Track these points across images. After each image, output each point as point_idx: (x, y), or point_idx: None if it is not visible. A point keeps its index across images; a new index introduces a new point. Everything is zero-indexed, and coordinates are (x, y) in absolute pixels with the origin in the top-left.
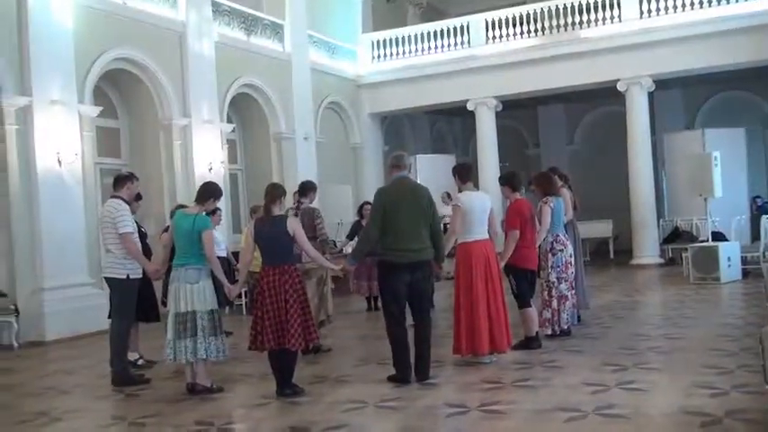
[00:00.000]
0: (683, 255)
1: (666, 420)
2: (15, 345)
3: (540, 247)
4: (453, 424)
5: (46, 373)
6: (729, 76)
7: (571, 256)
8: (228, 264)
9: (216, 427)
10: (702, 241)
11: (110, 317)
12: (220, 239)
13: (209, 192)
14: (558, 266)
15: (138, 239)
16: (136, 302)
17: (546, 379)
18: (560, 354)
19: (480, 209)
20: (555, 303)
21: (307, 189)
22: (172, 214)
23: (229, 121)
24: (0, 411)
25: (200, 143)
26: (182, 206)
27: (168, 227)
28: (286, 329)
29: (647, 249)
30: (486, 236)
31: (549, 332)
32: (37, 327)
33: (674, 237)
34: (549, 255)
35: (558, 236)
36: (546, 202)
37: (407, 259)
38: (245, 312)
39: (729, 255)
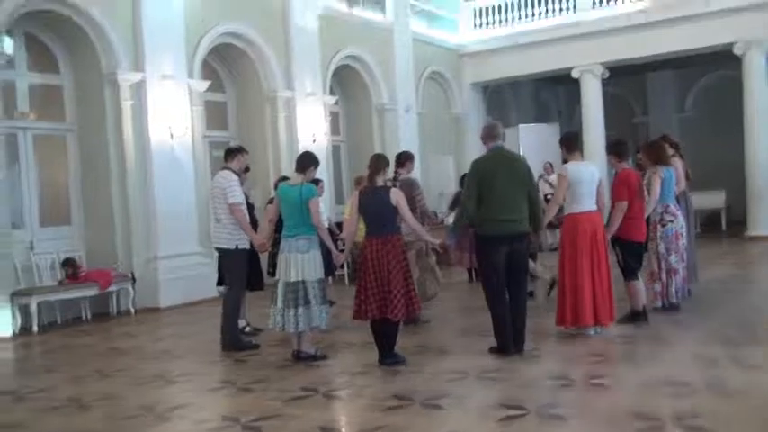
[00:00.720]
0: None
1: None
2: (132, 311)
3: (649, 218)
4: (556, 396)
5: (161, 338)
6: None
7: (682, 228)
8: (331, 233)
9: (320, 392)
10: None
11: (219, 285)
12: (322, 210)
13: (308, 160)
14: (668, 237)
15: (246, 211)
16: (246, 272)
17: (653, 353)
18: (668, 327)
19: (588, 179)
20: (664, 276)
21: (404, 159)
22: (275, 186)
23: (332, 93)
24: (120, 373)
25: (303, 115)
26: (284, 178)
27: (272, 199)
28: (389, 299)
29: (763, 221)
30: (595, 207)
31: (659, 305)
32: (152, 294)
33: None
34: (659, 226)
35: (668, 206)
36: (656, 172)
37: (506, 231)
38: (347, 282)
39: None
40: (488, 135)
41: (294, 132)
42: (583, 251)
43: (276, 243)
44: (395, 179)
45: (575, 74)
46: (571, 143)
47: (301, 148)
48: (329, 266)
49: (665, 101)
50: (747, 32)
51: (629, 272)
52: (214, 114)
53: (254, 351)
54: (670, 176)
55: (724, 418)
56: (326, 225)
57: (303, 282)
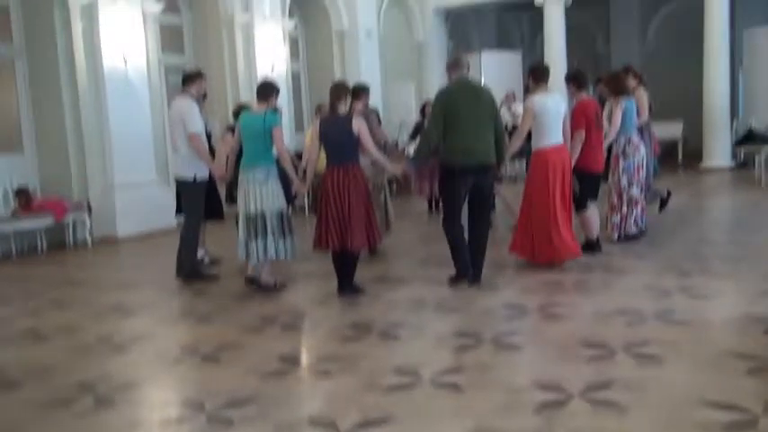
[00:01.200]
0: (756, 157)
1: (729, 326)
2: (89, 241)
3: (610, 149)
4: (512, 325)
5: (119, 269)
6: None
7: (643, 159)
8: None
9: (279, 322)
10: None
11: (177, 213)
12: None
13: (269, 88)
14: (630, 170)
15: (205, 140)
16: (203, 202)
17: (606, 282)
18: (622, 258)
19: (555, 112)
20: (624, 208)
21: (358, 91)
22: (235, 115)
23: (291, 16)
24: (78, 305)
25: (262, 40)
26: (243, 106)
27: (231, 128)
28: (348, 230)
29: (719, 152)
30: (561, 140)
31: (615, 237)
32: (109, 223)
33: (748, 138)
34: (621, 158)
35: (630, 138)
36: (617, 103)
37: (472, 162)
38: (306, 212)
39: None
40: (453, 65)
41: (252, 57)
42: (554, 189)
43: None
44: (350, 111)
45: (538, 1)
46: (539, 74)
47: (260, 75)
48: (290, 196)
49: (628, 30)
50: None
51: (581, 202)
52: (169, 38)
53: (211, 281)
54: (631, 107)
55: (671, 346)
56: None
57: (263, 213)
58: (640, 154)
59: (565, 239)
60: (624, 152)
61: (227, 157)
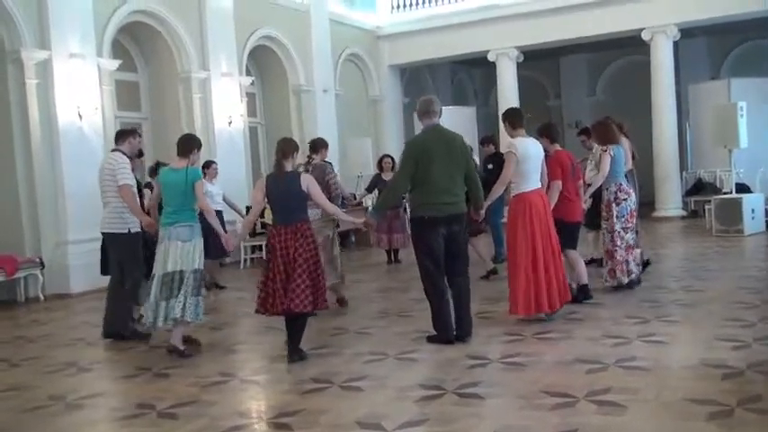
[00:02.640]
0: (706, 207)
1: (688, 372)
2: (42, 297)
3: (602, 196)
4: (474, 375)
5: (72, 326)
6: (757, 24)
7: (635, 205)
8: (221, 218)
9: (239, 378)
10: (726, 193)
11: (104, 274)
12: (215, 192)
13: (190, 142)
14: (624, 216)
15: (136, 194)
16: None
17: (567, 331)
18: (581, 307)
19: (535, 156)
20: (623, 253)
21: (318, 146)
22: (152, 171)
23: (248, 73)
24: (30, 362)
25: (219, 96)
26: (161, 163)
27: (149, 184)
28: (292, 290)
29: (670, 201)
30: (540, 184)
31: (625, 280)
32: (62, 280)
33: (698, 189)
34: (614, 204)
35: (620, 185)
36: (606, 150)
37: (444, 212)
38: (241, 267)
39: (753, 207)
40: (424, 112)
41: (210, 113)
42: (539, 232)
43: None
44: (308, 163)
45: (491, 57)
46: (517, 119)
47: (217, 130)
48: (221, 248)
49: (578, 84)
50: (655, 18)
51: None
52: (126, 94)
53: (145, 341)
54: (620, 154)
55: (633, 393)
56: (221, 207)
57: (181, 272)
58: (632, 199)
59: (553, 288)
60: (617, 199)
61: (149, 213)
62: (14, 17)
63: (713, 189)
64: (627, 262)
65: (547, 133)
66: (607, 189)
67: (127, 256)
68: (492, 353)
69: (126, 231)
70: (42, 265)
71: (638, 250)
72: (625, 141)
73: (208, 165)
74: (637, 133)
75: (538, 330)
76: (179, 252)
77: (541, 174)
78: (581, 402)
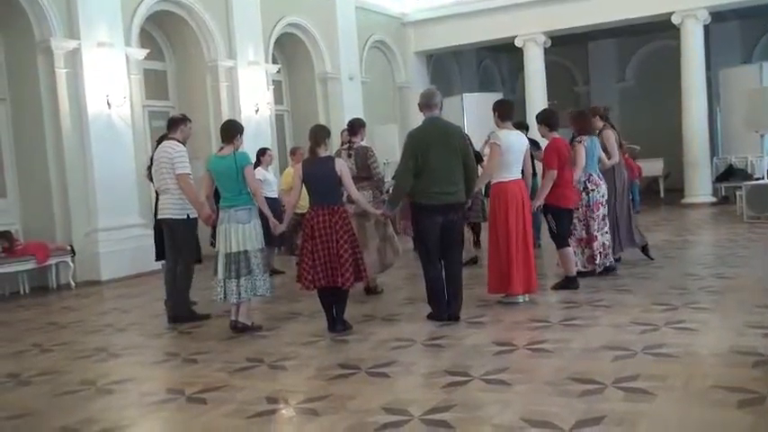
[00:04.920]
0: (737, 193)
1: (717, 360)
2: (72, 284)
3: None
4: (501, 362)
5: (102, 312)
6: None
7: (603, 197)
8: (278, 206)
9: (266, 363)
10: (757, 179)
11: (158, 258)
12: (272, 180)
13: (233, 128)
14: (589, 206)
15: (193, 184)
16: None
17: (594, 318)
18: (609, 293)
19: (518, 148)
20: (600, 240)
21: (357, 126)
22: (158, 143)
23: (275, 61)
24: (61, 347)
25: (245, 84)
26: (164, 137)
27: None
28: (337, 267)
29: (700, 188)
30: (520, 175)
31: (598, 269)
32: (93, 267)
33: (728, 175)
34: (583, 194)
35: (590, 175)
36: (580, 141)
37: (440, 201)
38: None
39: None
40: (425, 104)
41: (237, 102)
42: (512, 219)
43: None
44: (350, 147)
45: (518, 42)
46: (505, 111)
47: (244, 118)
48: (272, 235)
49: (607, 70)
50: (685, 2)
51: (561, 239)
52: (154, 83)
53: (205, 321)
54: (593, 146)
55: (661, 380)
56: (275, 195)
57: (245, 252)
58: (601, 191)
59: (526, 272)
60: (585, 189)
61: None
62: (44, 7)
63: (744, 175)
64: (583, 252)
65: (546, 121)
66: (578, 180)
67: (184, 242)
68: (518, 339)
69: (185, 217)
70: (73, 252)
71: (599, 243)
72: (611, 133)
73: (263, 152)
74: (665, 118)
75: (564, 317)
76: (240, 233)
77: (524, 163)
78: (608, 389)
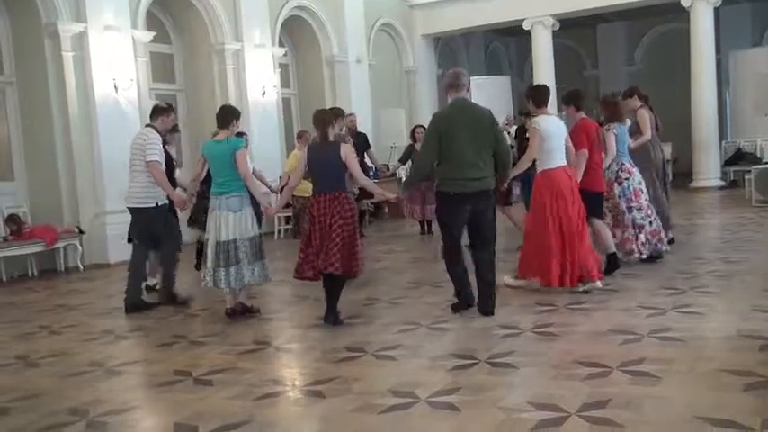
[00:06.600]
0: (746, 177)
1: (724, 343)
2: (81, 267)
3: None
4: (507, 345)
5: (110, 294)
6: None
7: (640, 184)
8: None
9: (273, 346)
10: (766, 163)
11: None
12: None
13: (229, 114)
14: (627, 195)
15: (164, 169)
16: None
17: (600, 302)
18: (616, 277)
19: (558, 134)
20: (632, 230)
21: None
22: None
23: (281, 45)
24: (70, 329)
25: (252, 67)
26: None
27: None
28: (325, 252)
29: (708, 172)
30: (565, 162)
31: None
32: (101, 250)
33: (737, 159)
34: (615, 184)
35: (623, 164)
36: (609, 129)
37: (470, 188)
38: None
39: None
40: (451, 85)
41: (243, 85)
42: (568, 206)
43: (201, 196)
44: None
45: (526, 25)
46: (542, 97)
47: (251, 101)
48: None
49: (615, 53)
50: None
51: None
52: (160, 66)
53: (185, 307)
54: (623, 133)
55: (667, 363)
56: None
57: (234, 241)
58: (636, 178)
59: (583, 259)
60: (618, 178)
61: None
62: None
63: (753, 159)
64: (634, 240)
65: (572, 101)
66: (609, 169)
67: (159, 229)
68: (524, 323)
69: (153, 205)
70: (81, 232)
71: (651, 228)
72: (646, 114)
73: (300, 135)
74: (675, 102)
75: (571, 301)
76: (231, 222)
77: (567, 151)
78: (614, 372)
